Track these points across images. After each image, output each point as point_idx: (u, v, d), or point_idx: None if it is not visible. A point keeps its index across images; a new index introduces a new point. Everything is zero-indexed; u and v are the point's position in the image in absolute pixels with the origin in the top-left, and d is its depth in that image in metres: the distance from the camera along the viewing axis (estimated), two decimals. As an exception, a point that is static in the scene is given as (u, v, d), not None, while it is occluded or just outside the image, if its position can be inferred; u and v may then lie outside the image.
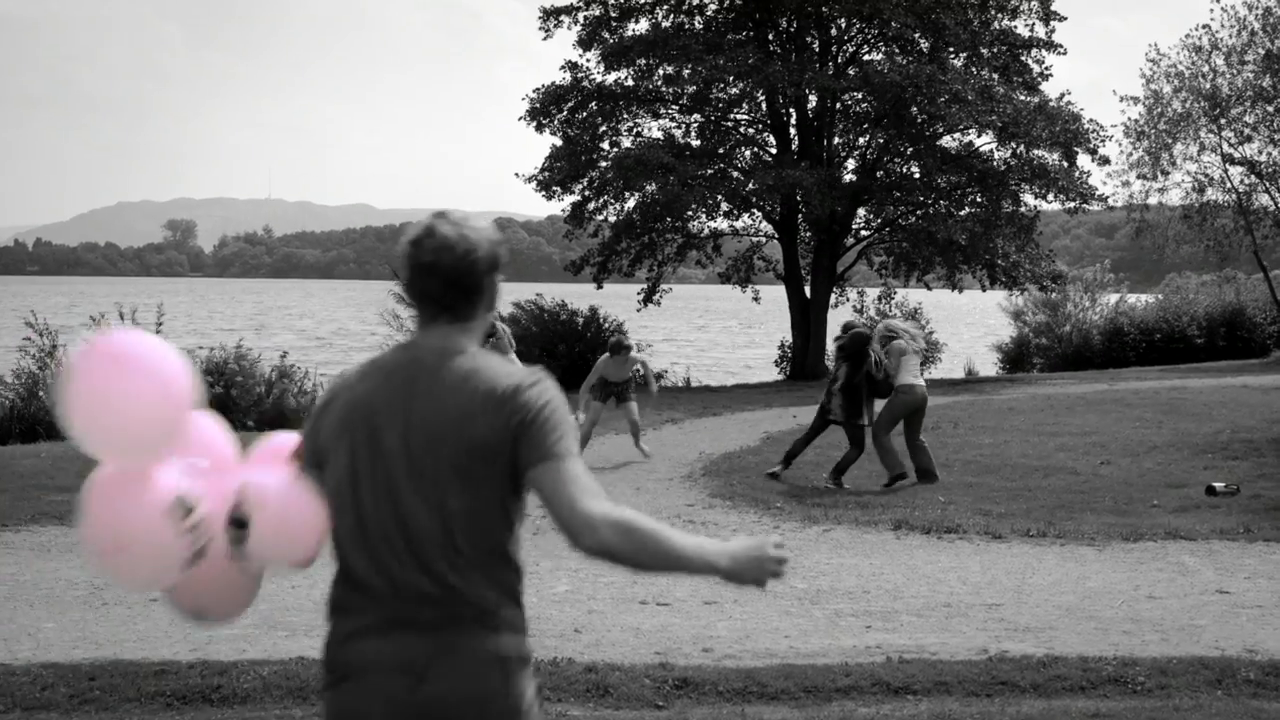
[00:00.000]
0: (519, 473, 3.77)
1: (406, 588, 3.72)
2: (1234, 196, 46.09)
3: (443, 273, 3.85)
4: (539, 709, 3.92)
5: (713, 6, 40.40)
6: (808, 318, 40.14)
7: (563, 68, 40.53)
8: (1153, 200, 48.01)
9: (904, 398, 16.95)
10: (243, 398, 28.49)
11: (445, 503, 3.73)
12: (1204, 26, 45.66)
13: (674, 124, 41.25)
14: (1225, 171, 46.12)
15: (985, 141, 39.38)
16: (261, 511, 3.80)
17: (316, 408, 4.12)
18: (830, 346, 18.02)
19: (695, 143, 40.28)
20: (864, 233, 42.60)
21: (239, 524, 3.81)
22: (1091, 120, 38.59)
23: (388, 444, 3.78)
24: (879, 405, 17.34)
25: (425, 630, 3.70)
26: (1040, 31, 40.40)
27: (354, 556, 3.80)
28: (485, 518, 3.78)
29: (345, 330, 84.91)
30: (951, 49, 38.67)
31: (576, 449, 3.80)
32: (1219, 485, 15.61)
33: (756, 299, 43.23)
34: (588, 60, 40.63)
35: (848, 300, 43.12)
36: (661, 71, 39.66)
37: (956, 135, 39.48)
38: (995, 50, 39.83)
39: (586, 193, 39.75)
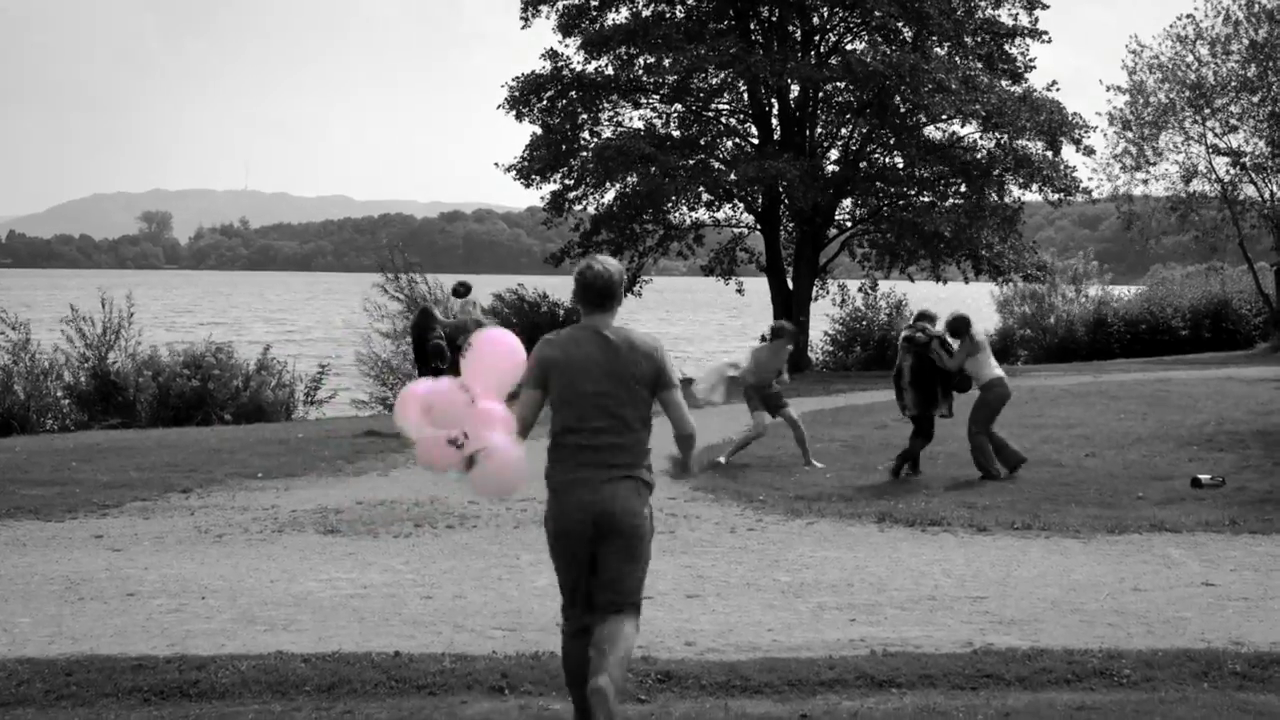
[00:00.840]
0: (653, 393, 7.21)
1: (592, 447, 7.09)
2: (1219, 187, 46.18)
3: (599, 288, 7.14)
4: (653, 535, 7.32)
5: (694, -5, 40.45)
6: (791, 310, 40.17)
7: (543, 56, 40.62)
8: (1137, 191, 48.13)
9: (998, 391, 16.87)
10: (220, 391, 28.43)
11: (623, 406, 7.09)
12: (1188, 16, 45.76)
13: (655, 114, 41.31)
14: (1210, 162, 46.23)
15: (969, 131, 39.51)
16: (487, 458, 7.11)
17: (538, 353, 7.23)
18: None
19: (676, 133, 40.31)
20: (847, 224, 42.62)
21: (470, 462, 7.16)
22: (1075, 112, 38.68)
23: (585, 375, 7.06)
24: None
25: (601, 470, 7.08)
26: (1024, 20, 40.48)
27: (563, 428, 7.16)
28: (639, 422, 7.19)
29: (326, 322, 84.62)
30: (935, 38, 38.73)
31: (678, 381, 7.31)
32: (1204, 477, 15.64)
33: (740, 291, 43.23)
34: (567, 48, 40.69)
35: (828, 293, 43.16)
36: (642, 61, 39.67)
37: (940, 125, 39.59)
38: (979, 39, 39.92)
39: (566, 182, 39.77)
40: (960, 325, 16.82)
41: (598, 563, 7.07)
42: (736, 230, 43.65)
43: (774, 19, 40.01)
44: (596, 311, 7.14)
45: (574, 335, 7.15)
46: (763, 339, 19.28)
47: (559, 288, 40.35)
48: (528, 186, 40.06)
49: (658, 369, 7.12)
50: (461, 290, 23.78)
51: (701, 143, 40.13)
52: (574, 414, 7.08)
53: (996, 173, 38.16)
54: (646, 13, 40.08)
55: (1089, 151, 39.84)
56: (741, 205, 41.80)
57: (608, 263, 7.23)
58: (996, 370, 17.00)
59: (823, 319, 45.35)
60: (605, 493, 7.01)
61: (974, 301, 69.13)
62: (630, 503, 7.05)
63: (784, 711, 7.61)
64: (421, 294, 27.33)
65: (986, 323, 55.08)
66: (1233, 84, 45.01)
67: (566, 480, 7.11)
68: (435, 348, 22.41)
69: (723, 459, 17.63)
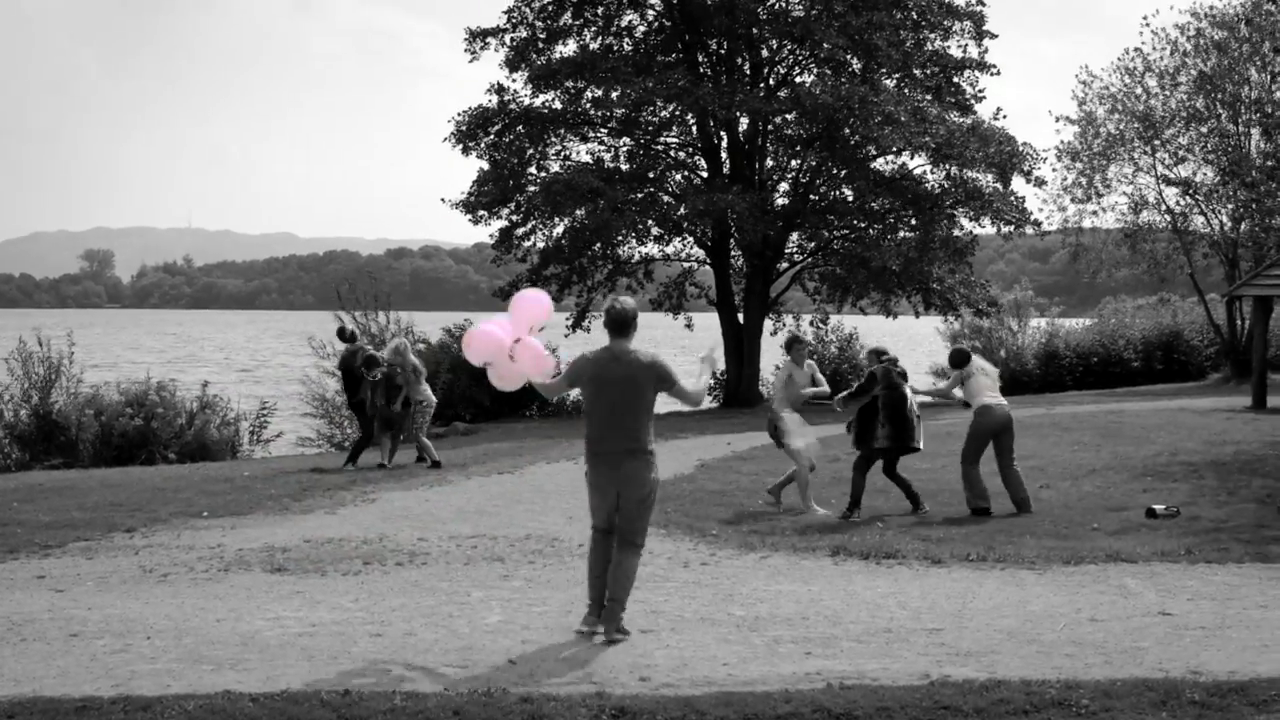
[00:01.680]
0: (656, 393, 10.33)
1: (615, 440, 10.28)
2: (1169, 218, 46.53)
3: (616, 320, 10.34)
4: (658, 490, 10.60)
5: (641, 29, 40.61)
6: (741, 344, 40.20)
7: (489, 90, 40.55)
8: (1088, 223, 48.47)
9: (982, 420, 16.90)
10: (163, 430, 28.25)
11: (633, 412, 10.21)
12: (1136, 49, 46.20)
13: (603, 147, 41.34)
14: (1160, 193, 46.59)
15: (919, 164, 39.71)
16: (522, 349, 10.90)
17: (576, 364, 10.55)
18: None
19: (625, 166, 40.33)
20: (797, 257, 42.70)
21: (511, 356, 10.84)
22: (1025, 143, 38.90)
23: (610, 385, 10.26)
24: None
25: (624, 456, 10.26)
26: (973, 52, 40.75)
27: (594, 427, 10.39)
28: (645, 414, 10.31)
29: (269, 363, 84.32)
30: (884, 70, 38.95)
31: (678, 377, 10.42)
32: (1159, 507, 15.72)
33: (689, 326, 43.23)
34: (515, 82, 40.68)
35: (783, 326, 43.21)
36: (590, 94, 39.72)
37: (890, 157, 39.76)
38: (928, 71, 40.17)
39: (514, 217, 39.76)
40: (961, 358, 17.19)
41: (620, 508, 10.43)
42: (686, 264, 43.70)
43: (722, 51, 40.18)
44: (618, 337, 10.46)
45: (600, 355, 10.50)
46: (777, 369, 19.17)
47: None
48: (475, 223, 40.03)
49: (659, 374, 10.34)
50: (343, 334, 24.15)
51: (650, 176, 40.15)
52: (601, 408, 10.40)
53: (947, 205, 38.35)
54: (594, 45, 40.21)
55: (1039, 183, 40.11)
56: (691, 239, 41.86)
57: (626, 302, 10.54)
58: (985, 399, 17.02)
59: (774, 353, 45.40)
60: (625, 466, 10.34)
61: (921, 335, 69.48)
62: (640, 473, 10.36)
63: (740, 746, 7.58)
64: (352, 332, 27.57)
65: (937, 356, 55.36)
66: (1181, 115, 45.44)
67: (599, 453, 10.43)
68: (368, 358, 22.54)
69: (783, 498, 17.52)
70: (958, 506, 16.80)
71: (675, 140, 41.85)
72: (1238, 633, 10.18)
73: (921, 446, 17.13)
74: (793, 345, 17.92)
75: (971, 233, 40.31)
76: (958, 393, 17.14)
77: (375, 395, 22.52)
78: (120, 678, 9.04)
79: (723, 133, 40.64)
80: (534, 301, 11.31)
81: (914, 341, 74.83)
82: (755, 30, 39.04)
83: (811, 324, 43.84)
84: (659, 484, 10.65)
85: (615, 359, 10.36)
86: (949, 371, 17.30)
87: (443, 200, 40.68)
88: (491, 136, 40.10)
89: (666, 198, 39.30)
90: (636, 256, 41.98)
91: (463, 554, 14.08)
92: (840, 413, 17.68)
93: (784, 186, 41.82)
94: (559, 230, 39.83)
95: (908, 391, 16.88)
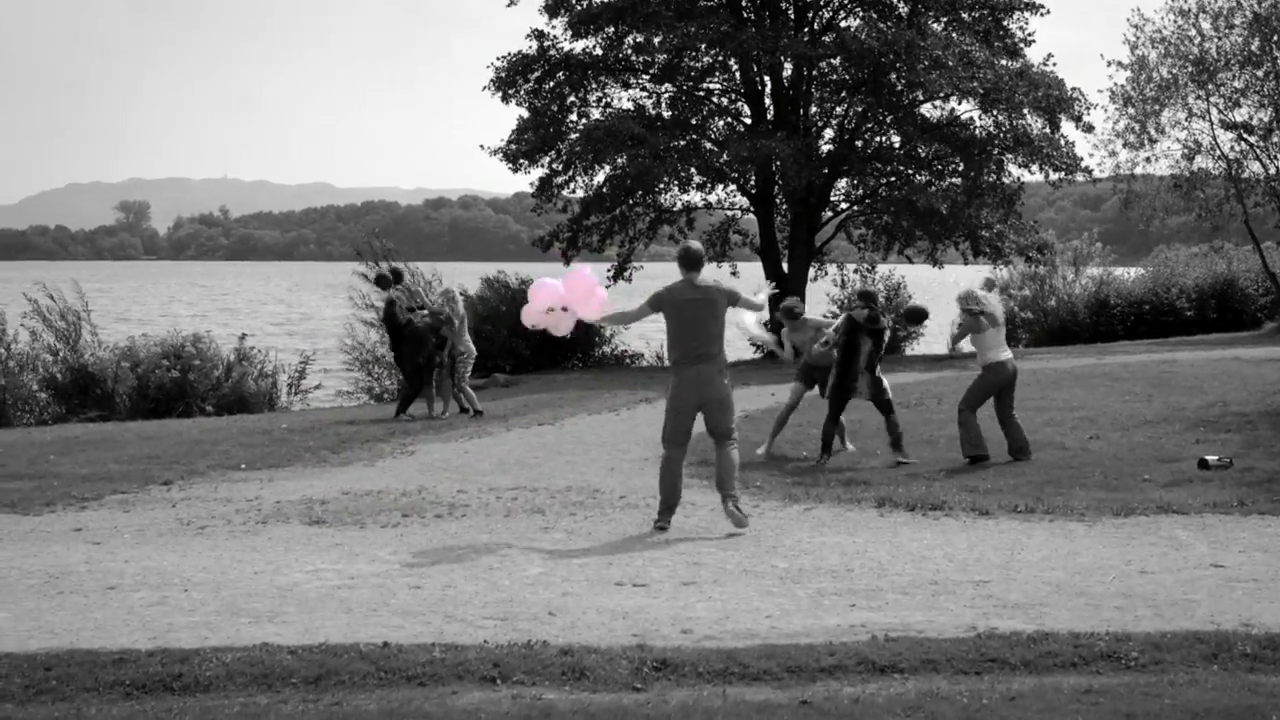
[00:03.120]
0: (728, 307, 13.11)
1: (696, 352, 12.81)
2: (1224, 164, 46.11)
3: (693, 258, 13.04)
4: (732, 393, 13.28)
5: (683, -29, 40.26)
6: (785, 294, 40.07)
7: (529, 36, 40.41)
8: (1140, 170, 48.02)
9: (993, 376, 16.92)
10: (201, 382, 28.39)
11: (710, 325, 12.85)
12: (1190, -11, 45.71)
13: (644, 94, 41.17)
14: (1215, 138, 46.17)
15: (966, 109, 39.40)
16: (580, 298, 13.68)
17: (656, 295, 13.01)
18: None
19: (667, 113, 40.15)
20: (843, 205, 42.54)
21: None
22: (1075, 88, 38.55)
23: (689, 310, 12.84)
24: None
25: (704, 360, 12.80)
26: (1022, -8, 40.32)
27: (678, 345, 12.93)
28: (720, 330, 12.95)
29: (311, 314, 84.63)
30: (931, 13, 38.66)
31: (742, 292, 13.41)
32: (1211, 458, 15.63)
33: (735, 273, 43.12)
34: (554, 29, 40.49)
35: (826, 274, 43.07)
36: (631, 40, 39.54)
37: (937, 103, 39.49)
38: (976, 14, 39.80)
39: (555, 165, 39.61)
40: (916, 315, 18.37)
41: (705, 414, 12.95)
42: (729, 213, 43.58)
43: (766, -5, 39.94)
44: (692, 271, 12.98)
45: (679, 286, 12.96)
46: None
47: (549, 274, 40.23)
48: (515, 171, 39.92)
49: (729, 294, 13.05)
50: (384, 282, 23.89)
51: (693, 123, 39.98)
52: (685, 328, 12.86)
53: (995, 151, 38.06)
54: (635, -11, 40.00)
55: (1089, 128, 39.74)
56: (734, 187, 41.72)
57: (696, 243, 13.31)
58: (999, 354, 16.99)
59: (819, 302, 45.35)
60: (704, 371, 12.81)
61: (973, 284, 69.30)
62: (717, 377, 12.88)
63: (783, 698, 7.59)
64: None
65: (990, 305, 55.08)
66: (1236, 58, 44.97)
67: (683, 363, 12.88)
68: (406, 324, 22.56)
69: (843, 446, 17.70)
70: (1004, 456, 16.72)
71: (718, 86, 41.66)
72: (1291, 585, 10.15)
73: (869, 395, 17.23)
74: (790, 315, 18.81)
75: (1019, 180, 40.03)
76: (966, 345, 17.16)
77: (423, 346, 22.58)
78: (157, 630, 9.11)
79: (766, 78, 40.43)
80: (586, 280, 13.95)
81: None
82: (800, -28, 38.85)
83: (857, 272, 43.69)
84: (732, 389, 13.21)
85: (693, 287, 12.89)
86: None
87: (482, 148, 40.62)
88: (531, 83, 39.97)
89: (709, 145, 39.14)
90: (679, 205, 41.86)
91: (502, 506, 14.14)
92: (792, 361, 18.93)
93: (829, 133, 41.60)
94: (600, 179, 39.74)
95: (861, 347, 17.06)
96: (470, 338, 23.27)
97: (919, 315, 18.24)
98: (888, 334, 17.44)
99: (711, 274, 13.81)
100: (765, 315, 16.69)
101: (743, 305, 13.43)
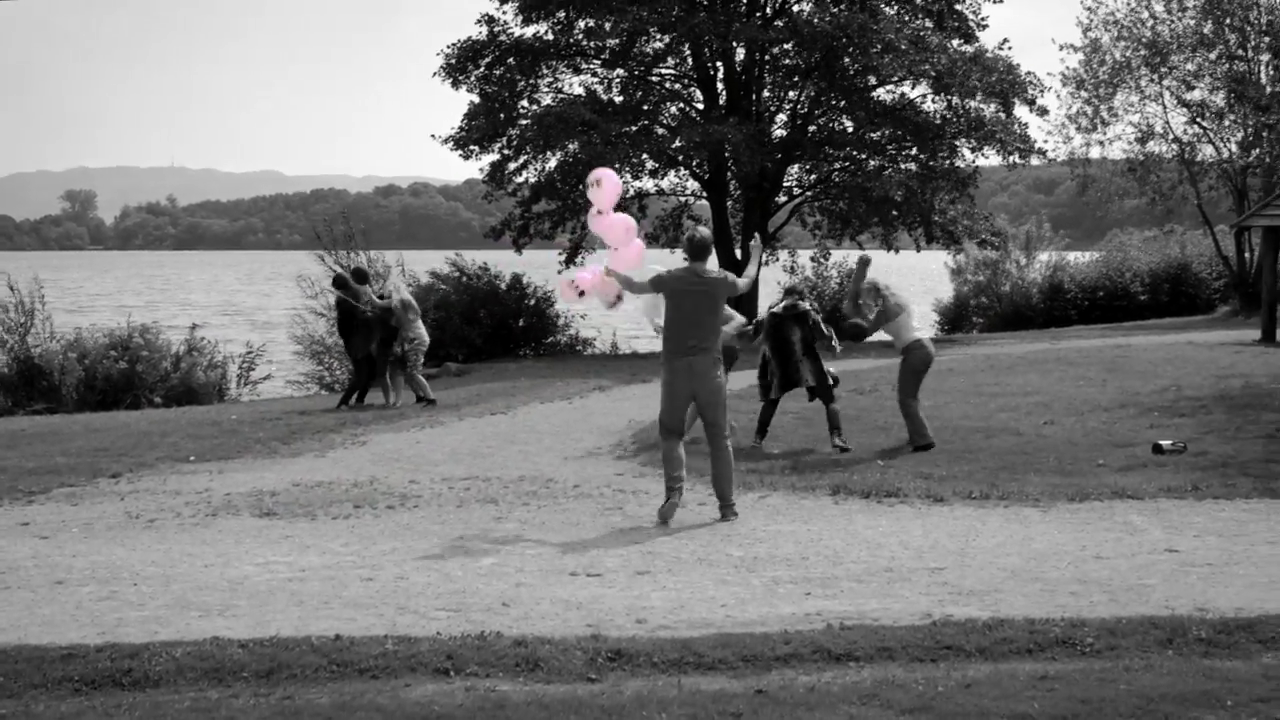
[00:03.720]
0: (723, 302, 13.06)
1: (690, 343, 12.72)
2: (1177, 148, 46.36)
3: (699, 247, 12.96)
4: (726, 387, 13.35)
5: (634, -45, 40.17)
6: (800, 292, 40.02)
7: (479, 21, 40.33)
8: (1094, 153, 48.27)
9: (919, 353, 16.98)
10: (149, 373, 28.24)
11: (709, 318, 12.82)
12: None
13: (596, 79, 41.15)
14: (1168, 122, 46.42)
15: (920, 93, 39.50)
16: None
17: (659, 277, 13.07)
18: (761, 311, 18.14)
19: (618, 99, 40.13)
20: (796, 190, 42.58)
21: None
22: (1029, 72, 38.68)
23: (689, 297, 12.79)
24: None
25: (696, 352, 12.70)
26: (975, -25, 40.45)
27: (674, 333, 12.82)
28: (717, 322, 12.95)
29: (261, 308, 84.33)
30: (883, -4, 38.70)
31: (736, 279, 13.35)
32: (1166, 443, 15.73)
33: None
34: (505, 14, 40.41)
35: (778, 260, 43.10)
36: (582, 24, 39.50)
37: (890, 87, 39.56)
38: (929, -2, 39.85)
39: (506, 152, 39.53)
40: (856, 334, 18.42)
41: (699, 404, 12.94)
42: (682, 199, 43.60)
43: (718, -21, 39.94)
44: (698, 260, 12.96)
45: (682, 273, 12.98)
46: None
47: (501, 261, 40.17)
48: (466, 158, 39.82)
49: (729, 284, 13.02)
50: (349, 280, 23.74)
51: (645, 108, 39.97)
52: (684, 316, 12.80)
53: (949, 135, 38.18)
54: (586, -27, 39.91)
55: (1043, 111, 39.89)
56: (687, 172, 41.75)
57: (704, 231, 13.28)
58: (916, 333, 17.17)
59: (772, 289, 45.39)
60: (699, 363, 12.76)
61: (926, 269, 69.39)
62: (711, 369, 12.85)
63: (739, 687, 7.60)
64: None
65: (942, 291, 55.35)
66: (1189, 40, 45.21)
67: (678, 353, 12.79)
68: (361, 313, 22.53)
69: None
70: (961, 442, 16.78)
71: (670, 71, 41.65)
72: (1245, 569, 10.22)
73: (812, 381, 17.38)
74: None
75: (974, 163, 40.17)
76: (882, 334, 17.46)
77: (370, 337, 22.58)
78: (107, 625, 9.08)
79: (719, 63, 40.46)
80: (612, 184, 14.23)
81: (921, 276, 74.75)
82: (751, -44, 38.84)
83: (812, 259, 43.77)
84: (726, 383, 13.30)
85: (697, 275, 12.89)
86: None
87: (433, 136, 40.57)
88: (481, 69, 39.90)
89: (661, 130, 39.13)
90: (631, 191, 41.84)
91: (455, 496, 14.13)
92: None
93: (782, 118, 41.68)
94: (551, 165, 39.68)
95: (792, 336, 17.34)
96: (422, 325, 23.24)
97: (859, 334, 18.37)
98: (815, 316, 17.61)
99: (653, 261, 13.87)
100: (741, 320, 16.83)
101: (739, 290, 13.32)
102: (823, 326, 17.52)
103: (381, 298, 23.04)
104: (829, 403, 17.29)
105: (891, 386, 22.28)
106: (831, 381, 17.46)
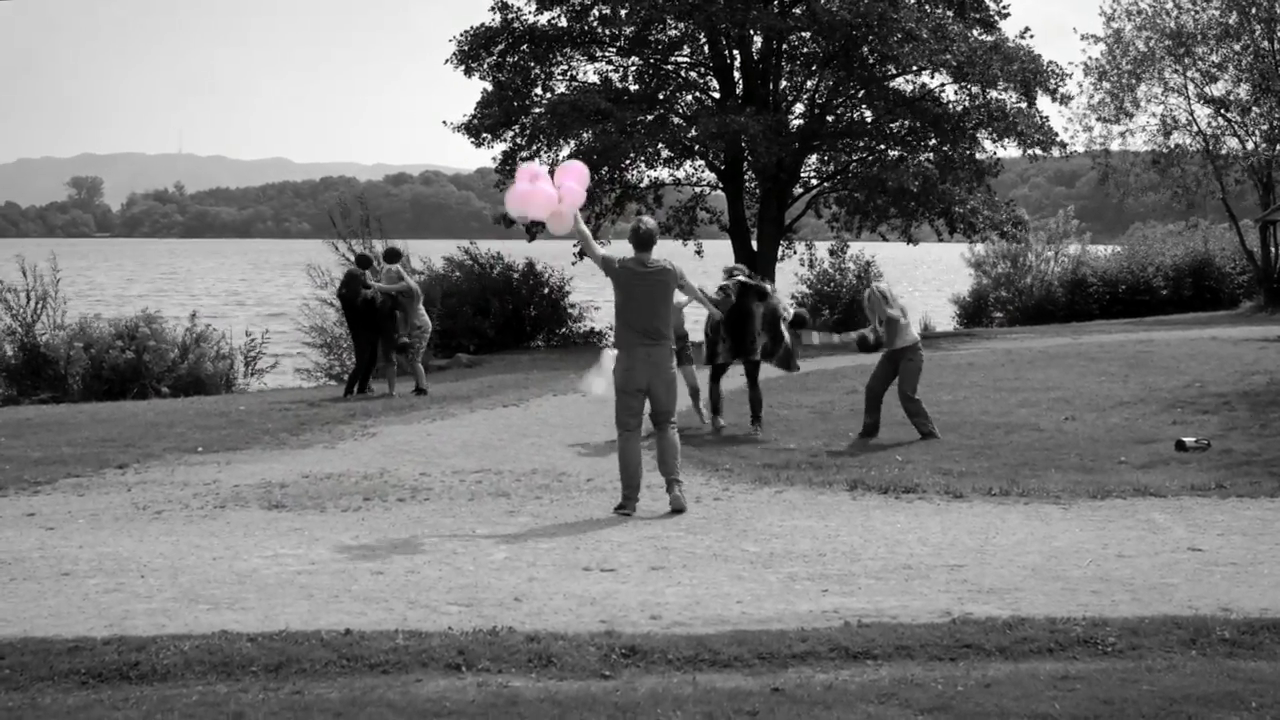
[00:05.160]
0: (674, 291, 13.28)
1: (647, 331, 12.94)
2: (1201, 140, 46.25)
3: (644, 238, 13.13)
4: (678, 375, 13.70)
5: (651, -59, 40.11)
6: (756, 271, 39.97)
7: (492, 8, 40.28)
8: (1116, 145, 48.18)
9: (918, 357, 17.41)
10: (155, 363, 28.26)
11: (660, 307, 13.02)
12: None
13: (611, 67, 41.14)
14: (1192, 114, 46.30)
15: (940, 83, 39.40)
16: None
17: (610, 261, 13.14)
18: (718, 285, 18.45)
19: (634, 87, 40.12)
20: (813, 181, 42.51)
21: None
22: (1051, 61, 38.58)
23: (639, 288, 12.98)
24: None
25: (651, 342, 12.93)
26: (997, -37, 40.33)
27: (629, 323, 12.99)
28: (668, 311, 13.14)
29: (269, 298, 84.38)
30: (904, -16, 38.61)
31: (686, 278, 13.51)
32: (1189, 440, 15.71)
33: (699, 253, 43.11)
34: (518, 0, 40.36)
35: (795, 253, 43.04)
36: (597, 11, 39.43)
37: (910, 77, 39.46)
38: (950, -14, 39.74)
39: (519, 140, 39.50)
40: (799, 321, 18.47)
41: (651, 394, 13.12)
42: (697, 189, 43.57)
43: (735, -34, 39.88)
44: (643, 251, 13.13)
45: (630, 264, 13.07)
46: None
47: (513, 250, 40.18)
48: (479, 146, 39.84)
49: (675, 275, 13.17)
50: (365, 262, 23.85)
51: (660, 97, 39.96)
52: (633, 307, 13.00)
53: (970, 126, 38.09)
54: (601, -42, 39.88)
55: (1065, 100, 39.79)
56: (703, 163, 41.72)
57: (649, 222, 13.52)
58: (915, 337, 17.65)
59: (789, 282, 45.39)
60: (653, 354, 13.00)
61: (948, 263, 69.24)
62: (665, 359, 13.10)
63: (755, 685, 7.60)
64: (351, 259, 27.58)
65: (961, 285, 55.25)
66: (1213, 31, 45.09)
67: (631, 344, 12.99)
68: (367, 301, 22.58)
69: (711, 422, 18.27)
70: (980, 438, 16.80)
71: (686, 60, 41.62)
72: (1270, 569, 10.18)
73: (759, 358, 18.01)
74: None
75: (995, 155, 40.12)
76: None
77: (378, 321, 22.66)
78: (114, 617, 9.08)
79: (735, 52, 40.42)
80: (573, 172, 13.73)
81: (940, 268, 74.65)
82: (769, -58, 38.76)
83: (830, 252, 43.75)
84: (678, 372, 13.71)
85: (643, 265, 13.05)
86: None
87: (445, 123, 40.60)
88: (495, 57, 39.90)
89: (677, 119, 39.11)
90: (646, 181, 41.83)
91: (466, 489, 14.13)
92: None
93: (799, 108, 41.65)
94: (565, 154, 39.64)
95: (754, 308, 17.85)
96: (425, 312, 23.33)
97: (800, 322, 18.57)
98: (776, 299, 18.23)
99: (671, 254, 13.90)
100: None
101: (687, 291, 13.81)
102: (782, 310, 18.12)
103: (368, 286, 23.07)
104: (754, 385, 18.10)
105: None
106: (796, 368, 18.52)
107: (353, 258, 27.08)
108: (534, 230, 40.53)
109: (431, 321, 23.90)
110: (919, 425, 17.18)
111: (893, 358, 17.32)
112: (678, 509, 12.83)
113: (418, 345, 22.90)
